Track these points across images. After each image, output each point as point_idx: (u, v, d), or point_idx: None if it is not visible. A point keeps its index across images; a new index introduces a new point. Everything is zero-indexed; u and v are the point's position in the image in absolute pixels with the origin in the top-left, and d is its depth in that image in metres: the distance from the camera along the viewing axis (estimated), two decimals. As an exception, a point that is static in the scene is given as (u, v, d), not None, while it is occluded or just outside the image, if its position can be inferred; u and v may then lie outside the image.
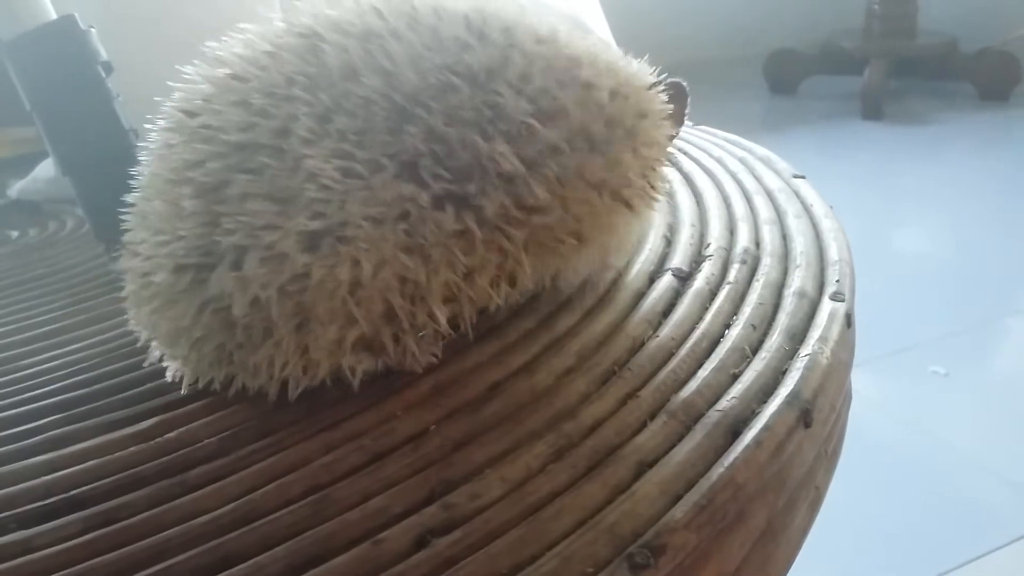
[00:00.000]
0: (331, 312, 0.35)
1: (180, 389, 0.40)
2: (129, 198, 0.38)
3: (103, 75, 0.49)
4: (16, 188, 0.74)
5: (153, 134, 0.38)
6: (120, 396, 0.41)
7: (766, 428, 0.34)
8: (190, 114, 0.37)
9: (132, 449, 0.36)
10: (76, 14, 0.49)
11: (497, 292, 0.40)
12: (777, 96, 2.66)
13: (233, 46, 0.38)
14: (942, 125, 2.36)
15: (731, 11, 2.95)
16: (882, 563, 1.02)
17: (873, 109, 2.33)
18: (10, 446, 0.38)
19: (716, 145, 0.68)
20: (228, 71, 0.36)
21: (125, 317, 0.49)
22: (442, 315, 0.38)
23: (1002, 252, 1.73)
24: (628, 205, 0.41)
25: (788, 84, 2.61)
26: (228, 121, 0.35)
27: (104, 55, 0.50)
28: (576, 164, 0.38)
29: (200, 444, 0.36)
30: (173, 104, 0.37)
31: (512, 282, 0.41)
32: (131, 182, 0.50)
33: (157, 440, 0.37)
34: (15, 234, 0.69)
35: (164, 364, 0.40)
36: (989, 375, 1.42)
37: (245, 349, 0.36)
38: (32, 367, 0.45)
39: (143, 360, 0.44)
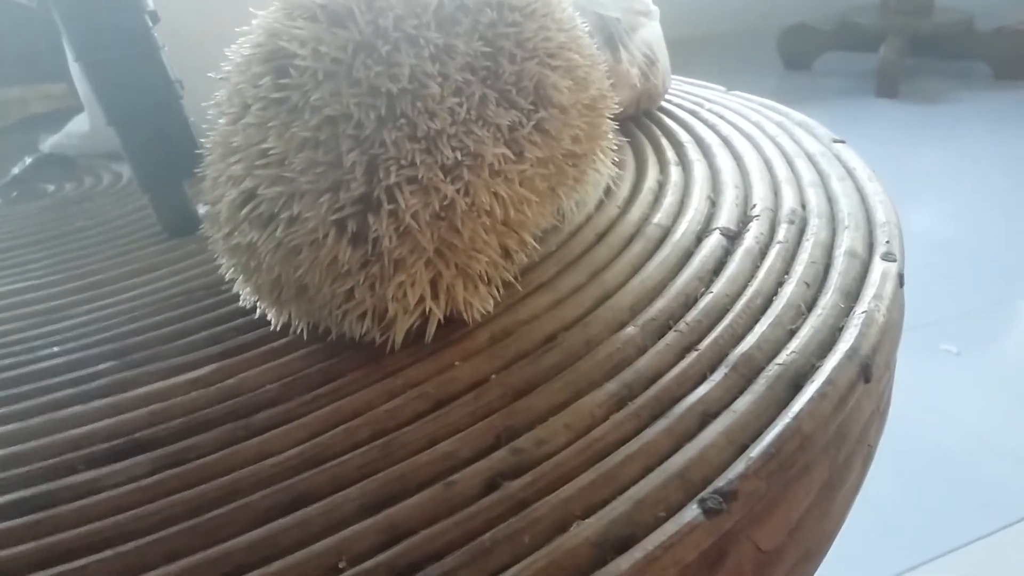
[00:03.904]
0: (472, 239, 0.37)
1: (236, 336, 0.40)
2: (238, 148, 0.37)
3: (150, 24, 0.49)
4: (49, 142, 0.74)
5: (244, 89, 0.37)
6: (176, 343, 0.41)
7: (829, 381, 0.34)
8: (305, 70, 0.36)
9: (193, 394, 0.37)
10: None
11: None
12: (791, 72, 2.65)
13: None
14: (957, 104, 2.35)
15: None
16: (891, 539, 1.03)
17: (888, 87, 2.32)
18: (70, 390, 0.38)
19: (752, 110, 0.67)
20: (327, 17, 0.36)
21: (174, 267, 0.50)
22: (533, 244, 0.42)
23: (1016, 232, 1.73)
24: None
25: (802, 60, 2.60)
26: (365, 71, 0.35)
27: (151, 4, 0.49)
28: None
29: (261, 390, 0.36)
30: (301, 65, 0.35)
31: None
32: (176, 131, 0.50)
33: (218, 385, 0.37)
34: (51, 188, 0.69)
35: (255, 307, 0.41)
36: (1001, 354, 1.43)
37: (377, 283, 0.36)
38: (84, 315, 0.45)
39: (195, 308, 0.45)
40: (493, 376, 0.36)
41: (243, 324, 0.42)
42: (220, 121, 0.38)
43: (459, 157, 0.36)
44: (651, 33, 0.67)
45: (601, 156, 0.45)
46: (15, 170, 0.71)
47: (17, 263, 0.53)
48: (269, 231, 0.36)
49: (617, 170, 0.50)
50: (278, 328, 0.40)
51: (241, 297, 0.41)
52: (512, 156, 0.38)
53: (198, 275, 0.48)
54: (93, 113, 0.70)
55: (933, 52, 2.49)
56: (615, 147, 0.47)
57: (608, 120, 0.45)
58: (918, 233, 1.75)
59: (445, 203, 0.36)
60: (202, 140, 0.41)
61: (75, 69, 0.70)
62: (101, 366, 0.40)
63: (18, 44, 0.82)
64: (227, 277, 0.40)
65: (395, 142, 0.35)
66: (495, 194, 0.37)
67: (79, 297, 0.47)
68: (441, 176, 0.36)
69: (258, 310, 0.41)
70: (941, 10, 2.43)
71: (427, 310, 0.37)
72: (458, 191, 0.36)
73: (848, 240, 0.44)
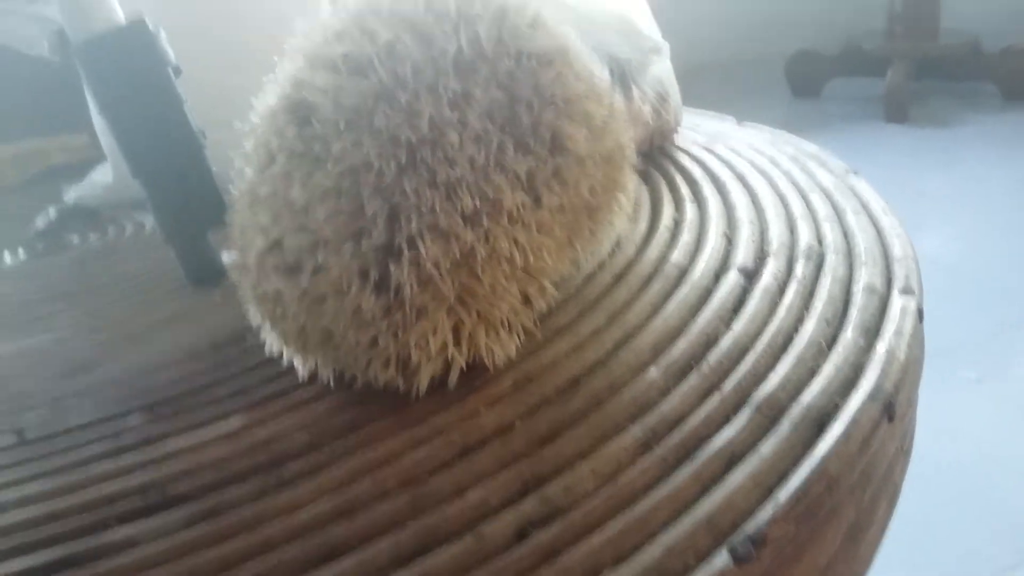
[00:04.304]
0: (492, 285, 0.37)
1: (263, 386, 0.41)
2: (265, 197, 0.38)
3: (173, 78, 0.50)
4: (72, 193, 0.76)
5: (268, 138, 0.38)
6: (204, 395, 0.42)
7: (853, 422, 0.34)
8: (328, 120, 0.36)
9: (223, 447, 0.37)
10: (146, 17, 0.50)
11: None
12: (799, 99, 2.66)
13: (331, 43, 0.38)
14: (966, 126, 2.35)
15: (750, 12, 2.94)
16: (913, 569, 1.01)
17: (897, 111, 2.32)
18: (101, 444, 0.39)
19: (765, 142, 0.68)
20: (348, 68, 0.37)
21: (199, 317, 0.50)
22: (552, 291, 0.42)
23: (1028, 255, 1.72)
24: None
25: (810, 86, 2.61)
26: (385, 121, 0.35)
27: (173, 58, 0.51)
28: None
29: (289, 440, 0.37)
30: (323, 115, 0.36)
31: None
32: (200, 182, 0.51)
33: (247, 438, 0.37)
34: (76, 239, 0.70)
35: (281, 355, 0.41)
36: (1021, 380, 1.41)
37: (400, 331, 0.36)
38: (111, 369, 0.46)
39: (222, 359, 0.45)
40: (518, 422, 0.36)
41: (270, 374, 0.43)
42: (247, 171, 0.39)
43: (478, 204, 0.37)
44: (662, 70, 0.67)
45: (617, 209, 0.46)
46: (40, 223, 0.72)
47: (44, 316, 0.54)
48: (294, 280, 0.37)
49: (631, 223, 0.51)
50: (305, 377, 0.41)
51: (267, 345, 0.42)
52: (530, 202, 0.39)
53: (223, 325, 0.49)
54: (116, 164, 0.71)
55: (940, 75, 2.49)
56: (631, 200, 0.48)
57: (626, 173, 0.46)
58: (930, 257, 1.74)
59: (466, 250, 0.36)
60: (228, 189, 0.41)
61: (98, 120, 0.72)
62: (131, 419, 0.40)
63: (38, 96, 0.84)
64: (255, 325, 0.41)
65: (416, 190, 0.35)
66: (515, 241, 0.38)
67: (107, 350, 0.48)
68: (461, 223, 0.36)
69: (284, 358, 0.42)
70: (947, 32, 2.44)
71: (450, 357, 0.38)
72: (478, 238, 0.37)
73: (866, 276, 0.45)
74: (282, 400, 0.40)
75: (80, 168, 0.80)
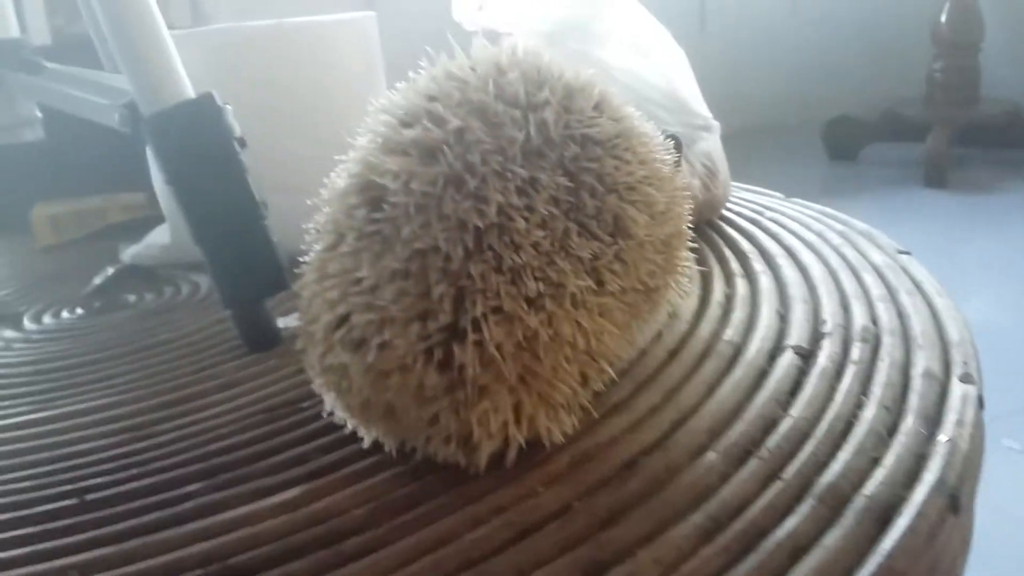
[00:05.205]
0: (553, 368, 0.38)
1: (322, 456, 0.41)
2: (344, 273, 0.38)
3: (238, 149, 0.52)
4: (129, 253, 0.77)
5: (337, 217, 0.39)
6: (263, 463, 0.42)
7: (919, 515, 0.33)
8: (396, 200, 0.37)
9: (283, 518, 0.37)
10: (215, 92, 0.51)
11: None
12: (837, 163, 2.66)
13: (402, 127, 0.39)
14: (1007, 193, 2.33)
15: (788, 78, 2.96)
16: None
17: (936, 177, 2.31)
18: (161, 512, 0.39)
19: (813, 219, 0.68)
20: (418, 152, 0.38)
21: (256, 382, 0.51)
22: (611, 372, 0.42)
23: (1073, 322, 1.69)
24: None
25: (848, 151, 2.61)
26: (454, 206, 0.36)
27: (239, 131, 0.52)
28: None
29: (349, 515, 0.37)
30: (394, 199, 0.37)
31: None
32: (260, 251, 0.52)
33: (306, 510, 0.38)
34: (133, 298, 0.71)
35: (340, 424, 0.42)
36: (1066, 451, 1.38)
37: (462, 409, 0.37)
38: (169, 433, 0.46)
39: (280, 426, 0.46)
40: (576, 503, 0.36)
41: (328, 443, 0.43)
42: (316, 247, 0.40)
43: (542, 288, 0.37)
44: (711, 146, 0.68)
45: (673, 287, 0.46)
46: (97, 280, 0.74)
47: (104, 376, 0.55)
48: (360, 355, 0.37)
49: (685, 293, 0.51)
50: (367, 446, 0.41)
51: (326, 413, 0.42)
52: (594, 287, 0.39)
53: (280, 391, 0.50)
54: (175, 226, 0.72)
55: (980, 141, 2.49)
56: (687, 279, 0.48)
57: (684, 255, 0.46)
58: (973, 324, 1.72)
59: (529, 333, 0.37)
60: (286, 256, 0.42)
61: (158, 183, 0.74)
62: (190, 487, 0.41)
63: (98, 155, 0.86)
64: (320, 394, 0.41)
65: (482, 275, 0.36)
66: (577, 324, 0.38)
67: (165, 413, 0.49)
68: (525, 307, 0.37)
69: (343, 428, 0.42)
70: (987, 100, 2.43)
71: (510, 435, 0.38)
72: (541, 322, 0.37)
73: (924, 360, 0.44)
74: (341, 470, 0.40)
75: (137, 227, 0.82)
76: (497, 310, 0.36)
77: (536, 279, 0.37)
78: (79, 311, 0.70)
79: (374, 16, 0.74)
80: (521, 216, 0.37)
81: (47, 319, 0.70)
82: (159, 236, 0.75)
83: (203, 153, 0.52)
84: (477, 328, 0.36)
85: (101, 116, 0.56)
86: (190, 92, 0.52)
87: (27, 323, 0.69)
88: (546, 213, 0.38)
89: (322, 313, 0.39)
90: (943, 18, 2.34)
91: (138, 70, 0.51)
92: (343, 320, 0.38)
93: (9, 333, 0.67)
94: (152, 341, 0.60)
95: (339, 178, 0.40)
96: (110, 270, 0.75)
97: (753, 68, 2.92)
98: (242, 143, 0.52)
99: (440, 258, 0.36)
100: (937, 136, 2.31)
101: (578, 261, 0.39)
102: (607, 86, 0.43)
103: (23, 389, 0.55)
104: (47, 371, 0.58)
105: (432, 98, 0.40)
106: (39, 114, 0.76)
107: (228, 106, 0.52)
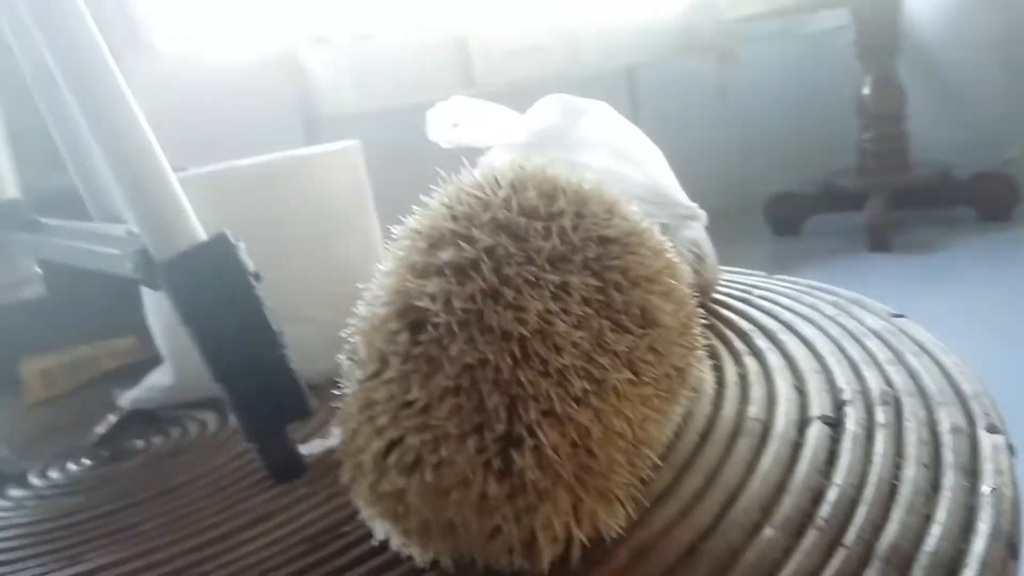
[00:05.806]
0: (608, 461, 0.38)
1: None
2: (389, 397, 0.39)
3: (253, 284, 0.52)
4: (128, 398, 0.76)
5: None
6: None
7: (984, 564, 0.35)
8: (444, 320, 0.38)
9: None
10: (227, 231, 0.52)
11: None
12: (781, 238, 2.74)
13: (432, 251, 0.40)
14: (949, 250, 2.42)
15: (724, 161, 3.06)
16: None
17: (879, 241, 2.40)
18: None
19: (803, 292, 0.71)
20: (453, 272, 0.39)
21: (289, 513, 0.50)
22: (654, 457, 0.43)
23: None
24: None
25: (791, 225, 2.70)
26: (496, 318, 0.38)
27: (252, 266, 0.53)
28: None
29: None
30: (436, 319, 0.38)
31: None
32: (280, 380, 0.52)
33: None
34: (140, 443, 0.70)
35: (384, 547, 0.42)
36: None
37: (523, 515, 0.37)
38: (213, 574, 0.46)
39: (323, 555, 0.45)
40: (649, 596, 0.36)
41: (375, 567, 0.43)
42: (356, 375, 0.41)
43: (587, 386, 0.38)
44: (697, 233, 0.71)
45: (696, 365, 0.48)
46: (100, 429, 0.73)
47: (129, 525, 0.54)
48: (417, 476, 0.38)
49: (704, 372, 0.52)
50: (424, 566, 0.41)
51: (377, 542, 0.42)
52: (632, 378, 0.40)
53: (315, 519, 0.49)
54: (180, 366, 0.72)
55: (917, 204, 2.59)
56: (704, 357, 0.50)
57: (699, 331, 0.48)
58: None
59: (581, 432, 0.38)
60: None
61: (156, 324, 0.74)
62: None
63: (84, 303, 0.86)
64: (367, 522, 0.41)
65: (531, 381, 0.37)
66: (624, 416, 0.39)
67: (204, 554, 0.48)
68: (575, 406, 0.38)
69: (388, 550, 0.42)
70: (919, 164, 2.55)
71: (572, 535, 0.38)
72: (591, 419, 0.38)
73: (948, 417, 0.46)
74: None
75: (129, 372, 0.81)
76: (549, 413, 0.37)
77: (580, 378, 0.38)
78: (86, 462, 0.69)
79: (359, 144, 0.76)
80: (560, 320, 0.38)
81: (54, 474, 0.68)
82: (159, 378, 0.75)
83: (221, 292, 0.52)
84: (532, 433, 0.37)
85: (112, 266, 0.56)
86: (202, 234, 0.53)
87: (33, 480, 0.68)
88: (581, 313, 0.39)
89: (370, 441, 0.39)
90: (865, 91, 2.47)
91: (149, 216, 0.52)
92: (393, 444, 0.38)
93: (17, 492, 0.66)
94: (172, 484, 0.59)
95: (370, 307, 0.41)
96: (112, 417, 0.74)
97: (687, 156, 3.00)
98: (257, 277, 0.53)
99: (491, 370, 0.37)
100: (875, 203, 2.40)
101: (615, 356, 0.40)
102: (611, 188, 0.46)
103: (47, 547, 0.54)
104: (68, 526, 0.56)
105: (455, 218, 0.41)
106: (39, 270, 0.76)
107: (241, 243, 0.53)
